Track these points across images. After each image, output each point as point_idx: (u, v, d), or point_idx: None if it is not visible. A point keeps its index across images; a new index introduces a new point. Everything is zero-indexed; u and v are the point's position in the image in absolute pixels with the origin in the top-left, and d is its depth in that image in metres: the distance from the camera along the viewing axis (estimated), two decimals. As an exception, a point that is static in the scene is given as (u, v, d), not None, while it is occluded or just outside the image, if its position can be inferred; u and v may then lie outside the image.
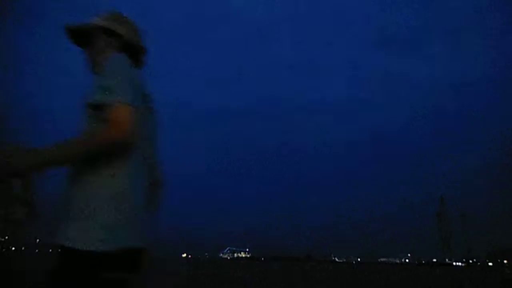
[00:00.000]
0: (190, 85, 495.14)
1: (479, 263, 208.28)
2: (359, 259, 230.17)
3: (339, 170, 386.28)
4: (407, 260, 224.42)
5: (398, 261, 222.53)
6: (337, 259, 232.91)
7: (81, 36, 0.82)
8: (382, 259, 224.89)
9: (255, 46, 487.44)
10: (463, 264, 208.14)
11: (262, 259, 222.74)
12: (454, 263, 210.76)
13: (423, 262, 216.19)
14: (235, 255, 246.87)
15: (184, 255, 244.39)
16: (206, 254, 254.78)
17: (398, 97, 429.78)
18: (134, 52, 0.83)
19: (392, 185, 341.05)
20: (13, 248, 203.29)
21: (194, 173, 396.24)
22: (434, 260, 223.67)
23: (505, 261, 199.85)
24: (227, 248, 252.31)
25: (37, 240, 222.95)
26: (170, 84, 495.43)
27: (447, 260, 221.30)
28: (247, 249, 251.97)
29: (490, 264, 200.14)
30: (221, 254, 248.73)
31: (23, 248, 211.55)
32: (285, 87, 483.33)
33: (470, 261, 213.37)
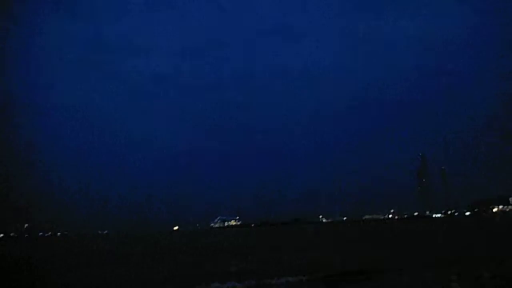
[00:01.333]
0: (166, 57, 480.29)
1: (456, 214, 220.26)
2: (345, 218, 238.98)
3: (321, 134, 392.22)
4: (389, 216, 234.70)
5: (382, 217, 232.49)
6: (324, 220, 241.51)
7: None
8: (367, 217, 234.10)
9: (230, 13, 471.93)
10: (442, 216, 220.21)
11: (252, 225, 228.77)
12: (433, 215, 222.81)
13: (405, 216, 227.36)
14: (226, 223, 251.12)
15: (176, 227, 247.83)
16: (197, 225, 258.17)
17: (378, 57, 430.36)
18: None
19: (375, 145, 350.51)
20: (1, 235, 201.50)
21: (178, 146, 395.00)
22: (416, 213, 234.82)
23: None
24: (218, 218, 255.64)
25: (25, 226, 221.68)
26: (146, 58, 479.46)
27: (427, 212, 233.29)
28: (237, 217, 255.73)
29: (467, 214, 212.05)
30: (212, 224, 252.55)
31: (11, 234, 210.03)
32: (262, 54, 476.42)
33: (449, 212, 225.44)
